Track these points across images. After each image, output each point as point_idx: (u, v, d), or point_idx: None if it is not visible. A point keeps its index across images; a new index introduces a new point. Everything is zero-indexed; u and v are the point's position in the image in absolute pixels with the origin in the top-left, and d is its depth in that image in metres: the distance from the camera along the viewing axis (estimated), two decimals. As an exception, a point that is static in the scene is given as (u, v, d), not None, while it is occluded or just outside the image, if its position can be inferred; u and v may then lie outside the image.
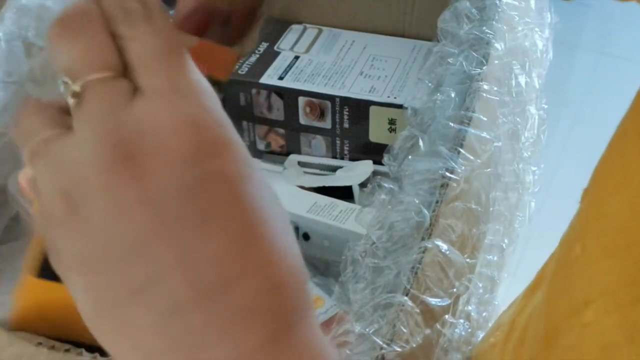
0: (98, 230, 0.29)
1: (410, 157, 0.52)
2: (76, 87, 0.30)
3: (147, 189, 0.28)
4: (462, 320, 0.43)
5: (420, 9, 0.88)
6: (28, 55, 0.67)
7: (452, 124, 0.52)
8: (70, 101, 0.30)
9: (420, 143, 0.53)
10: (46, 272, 0.48)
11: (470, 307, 0.45)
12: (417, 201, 0.46)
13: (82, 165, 0.29)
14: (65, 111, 0.31)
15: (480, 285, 0.46)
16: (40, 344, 0.44)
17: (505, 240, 0.53)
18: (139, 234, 0.28)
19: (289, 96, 0.82)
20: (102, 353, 0.44)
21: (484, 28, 0.59)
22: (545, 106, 0.65)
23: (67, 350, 0.43)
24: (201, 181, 0.29)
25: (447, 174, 0.49)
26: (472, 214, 0.47)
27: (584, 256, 0.36)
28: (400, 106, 0.77)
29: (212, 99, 0.31)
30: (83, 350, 0.44)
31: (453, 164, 0.49)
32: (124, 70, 0.30)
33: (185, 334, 0.28)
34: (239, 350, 0.28)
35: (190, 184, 0.29)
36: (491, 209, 0.49)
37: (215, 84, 0.34)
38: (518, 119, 0.57)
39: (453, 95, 0.54)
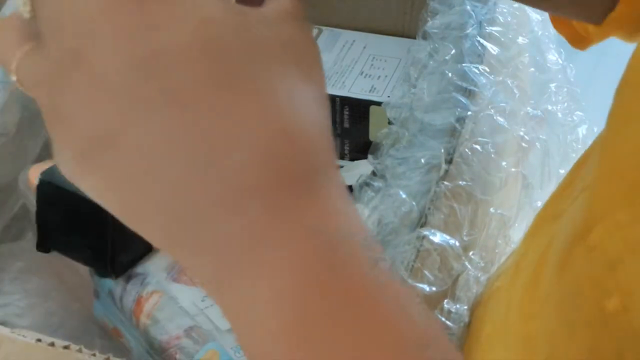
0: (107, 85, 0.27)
1: (391, 151, 0.52)
2: None
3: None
4: (458, 306, 0.43)
5: (420, 9, 0.88)
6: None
7: (425, 117, 0.52)
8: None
9: (401, 137, 0.53)
10: None
11: (471, 281, 0.45)
12: (403, 194, 0.47)
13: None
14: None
15: (481, 260, 0.47)
16: (39, 340, 0.44)
17: (509, 210, 0.53)
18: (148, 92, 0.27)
19: (289, 96, 0.82)
20: (101, 350, 0.44)
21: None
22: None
23: (66, 347, 0.43)
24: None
25: (431, 160, 0.49)
26: (464, 192, 0.48)
27: (589, 188, 0.38)
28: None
29: None
30: (82, 347, 0.44)
31: (435, 151, 0.49)
32: None
33: (190, 209, 0.27)
34: (249, 218, 0.26)
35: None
36: (494, 179, 0.50)
37: None
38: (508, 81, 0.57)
39: (426, 86, 0.54)
